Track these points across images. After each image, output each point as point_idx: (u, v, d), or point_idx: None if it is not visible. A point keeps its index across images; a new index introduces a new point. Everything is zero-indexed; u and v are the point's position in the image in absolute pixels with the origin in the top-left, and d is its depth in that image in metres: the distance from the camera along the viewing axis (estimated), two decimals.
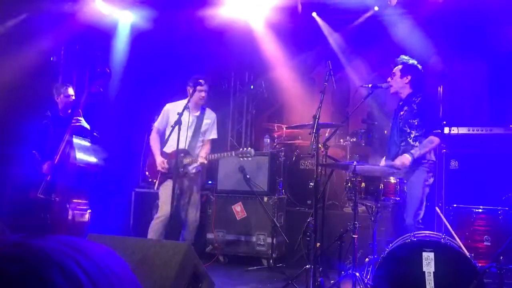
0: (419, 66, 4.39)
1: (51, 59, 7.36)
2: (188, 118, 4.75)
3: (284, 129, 6.99)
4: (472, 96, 6.27)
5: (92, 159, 4.93)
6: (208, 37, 7.00)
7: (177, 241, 4.74)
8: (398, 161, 4.07)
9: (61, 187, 4.78)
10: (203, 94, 4.89)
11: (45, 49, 6.88)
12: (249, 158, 4.75)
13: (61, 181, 4.80)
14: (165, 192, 4.74)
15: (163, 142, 4.92)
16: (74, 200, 4.75)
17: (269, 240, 5.66)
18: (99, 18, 6.77)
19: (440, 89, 6.10)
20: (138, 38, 7.19)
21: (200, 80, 4.75)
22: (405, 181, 3.96)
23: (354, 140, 6.29)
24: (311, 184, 3.96)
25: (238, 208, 5.87)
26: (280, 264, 5.71)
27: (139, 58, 7.28)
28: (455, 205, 4.30)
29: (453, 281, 3.25)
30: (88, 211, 4.83)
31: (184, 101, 4.77)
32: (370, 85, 4.42)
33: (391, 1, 5.80)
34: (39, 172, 4.98)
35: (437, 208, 4.26)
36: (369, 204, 4.06)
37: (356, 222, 3.81)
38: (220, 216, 5.88)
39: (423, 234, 3.61)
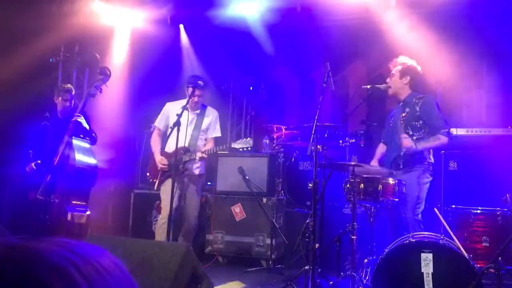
0: (419, 67, 4.39)
1: (50, 60, 7.36)
2: (187, 117, 4.75)
3: (283, 130, 6.99)
4: (471, 97, 6.28)
5: (92, 160, 4.93)
6: (208, 38, 7.01)
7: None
8: (404, 138, 4.09)
9: (60, 188, 4.77)
10: (195, 99, 4.85)
11: (44, 50, 6.88)
12: (248, 148, 4.66)
13: (60, 182, 4.79)
14: (166, 192, 4.72)
15: (164, 142, 4.92)
16: (74, 202, 4.75)
17: (268, 241, 5.66)
18: (98, 19, 6.79)
19: (439, 90, 6.11)
20: (137, 39, 7.21)
21: (199, 82, 4.74)
22: (403, 182, 3.97)
23: (353, 141, 6.29)
24: (310, 185, 3.96)
25: (237, 209, 5.87)
26: (279, 265, 5.71)
27: (138, 59, 7.29)
28: (453, 206, 4.30)
29: (451, 282, 3.26)
30: (87, 212, 4.83)
31: (184, 101, 4.80)
32: (369, 86, 4.42)
33: (390, 1, 5.82)
34: (36, 171, 4.98)
35: (435, 209, 4.26)
36: (368, 205, 4.07)
37: (355, 223, 3.81)
38: (219, 217, 5.89)
39: (422, 235, 3.61)
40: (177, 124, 4.28)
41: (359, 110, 5.35)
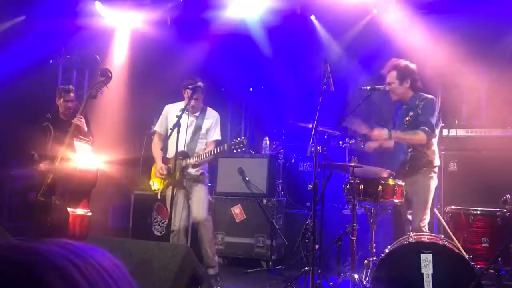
0: (414, 66, 4.35)
1: (50, 62, 7.37)
2: (187, 120, 4.62)
3: (283, 131, 7.00)
4: (471, 97, 6.28)
5: (92, 161, 4.93)
6: (207, 39, 7.02)
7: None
8: (376, 131, 4.11)
9: (61, 189, 4.78)
10: (193, 102, 4.65)
11: (44, 52, 6.89)
12: (243, 149, 4.46)
13: (61, 183, 4.80)
14: (173, 205, 4.37)
15: (165, 147, 4.80)
16: (74, 203, 4.75)
17: (268, 242, 5.67)
18: (98, 21, 6.80)
19: (439, 90, 6.11)
20: (137, 41, 7.22)
21: (199, 84, 4.56)
22: (403, 184, 3.97)
23: (353, 142, 6.30)
24: (310, 186, 3.97)
25: (237, 210, 5.88)
26: (279, 266, 5.72)
27: (139, 61, 7.30)
28: (453, 207, 4.30)
29: (451, 282, 3.26)
30: (88, 213, 4.84)
31: (183, 103, 4.72)
32: (368, 88, 4.42)
33: (390, 2, 5.83)
34: (36, 172, 4.98)
35: (435, 210, 4.27)
36: (367, 206, 4.08)
37: (354, 224, 3.82)
38: (219, 218, 5.89)
39: (422, 236, 3.62)
40: (177, 125, 4.20)
41: (359, 111, 5.35)
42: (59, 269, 0.57)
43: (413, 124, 4.22)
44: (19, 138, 5.83)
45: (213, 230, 4.81)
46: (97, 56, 7.31)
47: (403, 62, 4.34)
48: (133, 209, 6.44)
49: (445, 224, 4.07)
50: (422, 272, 3.26)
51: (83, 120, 4.93)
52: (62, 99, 5.13)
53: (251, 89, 8.45)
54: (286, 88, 7.52)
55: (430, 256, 3.27)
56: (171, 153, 4.60)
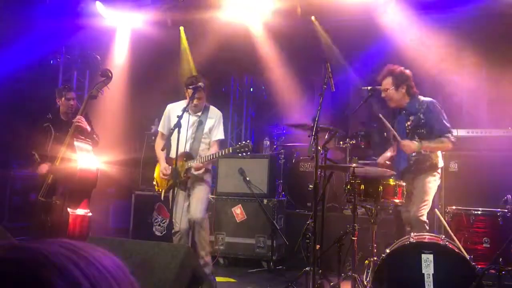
0: (408, 71, 4.35)
1: (51, 62, 7.38)
2: (188, 119, 4.57)
3: (284, 131, 7.00)
4: (471, 97, 6.28)
5: (93, 161, 4.94)
6: (208, 40, 7.02)
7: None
8: (405, 142, 4.08)
9: (61, 190, 4.78)
10: (195, 101, 4.60)
11: (45, 52, 6.90)
12: (248, 153, 4.43)
13: (61, 184, 4.80)
14: (174, 205, 4.37)
15: (168, 147, 4.75)
16: (75, 203, 4.75)
17: (269, 242, 5.66)
18: (99, 21, 6.80)
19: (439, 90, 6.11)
20: (138, 41, 7.22)
21: (200, 84, 4.51)
22: (404, 184, 3.96)
23: (354, 142, 6.29)
24: (310, 186, 3.96)
25: (238, 211, 5.87)
26: (280, 267, 5.71)
27: (139, 61, 7.30)
28: (454, 207, 4.30)
29: (452, 283, 3.26)
30: (88, 213, 4.84)
31: (185, 102, 4.68)
32: (369, 88, 4.41)
33: (390, 2, 5.83)
34: (37, 173, 4.98)
35: (436, 210, 4.27)
36: (368, 206, 4.07)
37: (355, 224, 3.81)
38: (220, 219, 5.89)
39: (422, 236, 3.61)
40: (178, 126, 4.19)
41: (359, 111, 5.34)
42: (61, 269, 0.56)
43: (415, 128, 4.21)
44: (19, 138, 5.84)
45: (208, 230, 4.77)
46: (98, 56, 7.32)
47: (398, 68, 4.32)
48: (134, 209, 6.44)
49: (446, 224, 4.06)
50: (423, 272, 3.26)
51: (83, 120, 4.91)
52: (63, 98, 5.11)
53: (251, 89, 8.45)
54: (287, 88, 7.52)
55: (431, 256, 3.26)
56: (173, 153, 4.55)
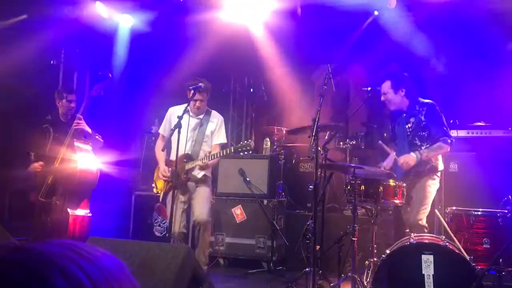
0: (406, 74, 4.35)
1: (52, 62, 7.37)
2: (188, 121, 4.55)
3: (284, 132, 7.00)
4: (472, 99, 6.28)
5: (93, 162, 4.94)
6: (208, 40, 7.02)
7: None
8: (401, 159, 4.07)
9: (61, 190, 4.78)
10: (197, 103, 4.58)
11: (45, 52, 6.89)
12: (250, 152, 4.42)
13: (61, 184, 4.80)
14: (175, 205, 4.30)
15: (169, 149, 4.73)
16: (75, 203, 4.75)
17: (269, 243, 5.66)
18: (99, 22, 6.80)
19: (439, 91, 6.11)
20: (138, 41, 7.22)
21: (200, 84, 4.50)
22: (404, 184, 3.96)
23: (354, 143, 6.29)
24: (310, 187, 3.96)
25: (238, 211, 5.87)
26: (280, 267, 5.71)
27: (139, 62, 7.30)
28: (454, 208, 4.30)
29: (452, 283, 3.26)
30: (88, 214, 4.84)
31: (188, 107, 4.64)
32: (369, 88, 4.42)
33: (390, 4, 5.82)
34: (30, 172, 4.98)
35: (436, 211, 4.27)
36: (368, 206, 4.07)
37: (355, 225, 3.81)
38: (220, 219, 5.89)
39: (422, 237, 3.61)
40: (178, 126, 4.18)
41: (360, 112, 5.35)
42: (63, 269, 0.56)
43: (416, 131, 4.21)
44: (19, 138, 5.83)
45: (210, 233, 4.78)
46: (98, 57, 7.32)
47: (396, 71, 4.33)
48: (134, 209, 6.44)
49: (446, 225, 4.06)
50: (423, 273, 3.26)
51: (83, 122, 4.90)
52: (64, 100, 5.10)
53: (251, 90, 8.45)
54: (287, 88, 7.52)
55: (431, 257, 3.26)
56: (173, 155, 4.52)
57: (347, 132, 6.64)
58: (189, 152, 4.60)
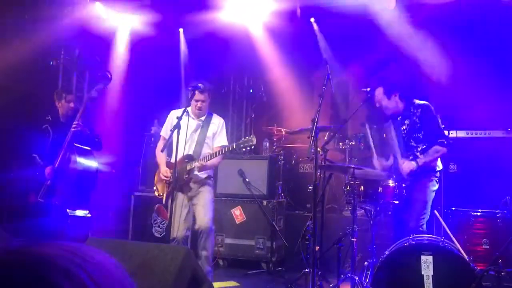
0: (399, 77, 4.34)
1: (51, 63, 7.37)
2: (188, 122, 4.49)
3: (283, 132, 7.00)
4: (471, 99, 6.29)
5: (92, 163, 4.94)
6: (208, 41, 7.02)
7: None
8: (404, 165, 4.06)
9: (61, 191, 4.78)
10: (199, 104, 4.53)
11: (44, 53, 6.89)
12: (252, 147, 4.33)
13: (61, 185, 4.80)
14: (174, 209, 4.21)
15: (170, 151, 4.64)
16: (74, 204, 4.75)
17: (268, 243, 5.66)
18: (98, 23, 6.80)
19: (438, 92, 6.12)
20: (137, 42, 7.22)
21: (199, 84, 4.46)
22: (403, 185, 3.97)
23: (353, 143, 6.30)
24: (310, 187, 3.97)
25: (237, 212, 5.87)
26: (280, 268, 5.71)
27: (139, 63, 7.30)
28: (453, 208, 4.31)
29: (451, 284, 3.26)
30: (88, 215, 4.84)
31: (189, 108, 4.61)
32: (368, 89, 4.41)
33: (389, 5, 5.83)
34: (41, 176, 4.97)
35: (436, 212, 4.27)
36: (368, 207, 4.07)
37: (355, 226, 3.82)
38: (219, 220, 5.87)
39: (422, 238, 3.61)
40: (177, 127, 4.16)
41: (359, 112, 5.34)
42: (66, 271, 0.57)
43: (411, 133, 4.20)
44: (19, 139, 5.83)
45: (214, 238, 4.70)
46: (97, 57, 7.32)
47: (387, 76, 4.31)
48: (133, 210, 6.44)
49: (446, 226, 4.07)
50: (422, 273, 3.26)
51: (80, 125, 4.87)
52: (63, 100, 5.10)
53: (251, 90, 8.45)
54: (286, 89, 7.52)
55: (430, 258, 3.26)
56: (174, 156, 4.44)
57: (346, 132, 6.65)
58: (191, 153, 4.55)
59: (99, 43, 7.22)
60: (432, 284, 3.23)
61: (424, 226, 4.11)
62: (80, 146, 4.90)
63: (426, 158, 4.07)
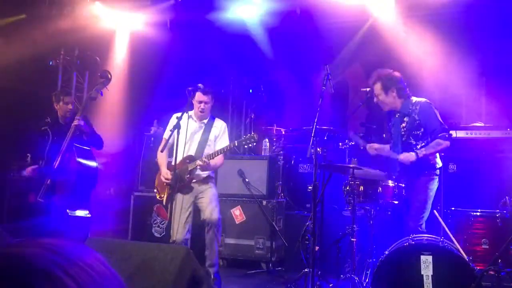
0: (396, 73, 4.34)
1: (50, 63, 7.37)
2: (187, 124, 4.49)
3: (283, 132, 7.00)
4: (470, 99, 6.29)
5: (92, 163, 4.94)
6: (207, 41, 7.02)
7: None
8: (402, 156, 4.06)
9: (61, 191, 4.78)
10: (202, 105, 4.53)
11: (44, 53, 6.89)
12: (254, 144, 4.37)
13: (61, 185, 4.80)
14: (174, 211, 4.25)
15: (172, 153, 4.68)
16: (74, 204, 4.75)
17: (268, 243, 5.66)
18: (98, 22, 6.80)
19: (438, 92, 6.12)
20: (137, 42, 7.22)
21: (200, 85, 4.46)
22: (403, 185, 3.97)
23: (353, 143, 6.29)
24: (310, 187, 3.97)
25: (237, 212, 5.87)
26: (279, 268, 5.71)
27: (138, 63, 7.30)
28: (453, 209, 4.31)
29: (451, 284, 3.26)
30: (88, 215, 4.84)
31: (191, 112, 4.60)
32: (368, 89, 4.42)
33: (389, 4, 5.84)
34: (41, 176, 4.97)
35: (435, 212, 4.27)
36: (367, 207, 4.08)
37: (354, 226, 3.82)
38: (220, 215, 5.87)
39: (421, 238, 3.62)
40: (177, 127, 4.16)
41: (359, 112, 5.35)
42: (46, 272, 0.56)
43: (411, 130, 4.20)
44: (18, 139, 5.83)
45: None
46: (97, 58, 7.32)
47: (385, 72, 4.31)
48: (133, 210, 6.43)
49: (445, 226, 4.07)
50: (422, 273, 3.26)
51: (82, 121, 4.90)
52: (61, 102, 5.10)
53: (250, 91, 8.45)
54: (286, 89, 7.52)
55: (430, 258, 3.26)
56: (178, 159, 4.41)
57: (346, 132, 6.65)
58: (193, 155, 4.53)
59: (98, 43, 7.22)
60: (431, 284, 3.23)
61: (423, 225, 4.11)
62: (80, 146, 4.90)
63: (427, 150, 4.06)
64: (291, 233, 5.78)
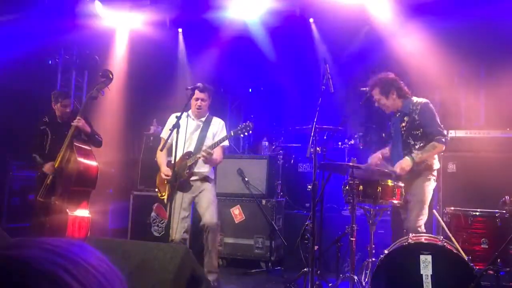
0: (391, 75, 4.33)
1: (49, 62, 7.37)
2: (187, 123, 4.50)
3: (283, 132, 7.01)
4: (470, 99, 6.29)
5: (92, 162, 4.94)
6: (207, 40, 7.02)
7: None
8: (398, 168, 4.06)
9: (61, 190, 4.78)
10: (199, 103, 4.54)
11: (43, 52, 6.89)
12: (250, 132, 4.37)
13: (61, 184, 4.80)
14: (173, 209, 4.22)
15: (171, 152, 4.57)
16: (74, 204, 4.75)
17: (267, 243, 5.67)
18: (98, 21, 6.79)
19: (438, 92, 6.12)
20: (136, 42, 7.22)
21: (199, 84, 4.45)
22: (402, 185, 3.97)
23: (352, 143, 6.30)
24: (309, 187, 3.97)
25: (236, 211, 5.88)
26: (279, 267, 5.72)
27: (138, 62, 7.30)
28: (452, 208, 4.30)
29: (450, 284, 3.26)
30: (87, 214, 4.84)
31: (190, 112, 4.62)
32: (367, 89, 4.42)
33: (388, 5, 5.84)
34: (40, 176, 4.97)
35: (434, 211, 4.27)
36: (367, 207, 4.07)
37: (354, 225, 3.82)
38: (219, 219, 5.88)
39: (421, 237, 3.62)
40: (176, 126, 4.16)
41: (358, 112, 5.35)
42: (49, 275, 0.55)
43: (410, 129, 4.20)
44: (18, 139, 5.83)
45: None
46: (96, 57, 7.32)
47: (382, 76, 4.31)
48: (132, 209, 6.43)
49: (444, 225, 4.07)
50: (421, 273, 3.26)
51: (82, 121, 4.90)
52: (59, 104, 5.10)
53: (250, 90, 8.45)
54: (285, 89, 7.52)
55: (429, 257, 3.26)
56: (177, 158, 4.38)
57: (345, 132, 6.65)
58: (192, 151, 4.53)
59: (98, 42, 7.21)
60: (431, 283, 3.23)
61: (422, 227, 4.11)
62: (80, 145, 4.90)
63: (423, 154, 4.07)
64: (291, 232, 5.79)
